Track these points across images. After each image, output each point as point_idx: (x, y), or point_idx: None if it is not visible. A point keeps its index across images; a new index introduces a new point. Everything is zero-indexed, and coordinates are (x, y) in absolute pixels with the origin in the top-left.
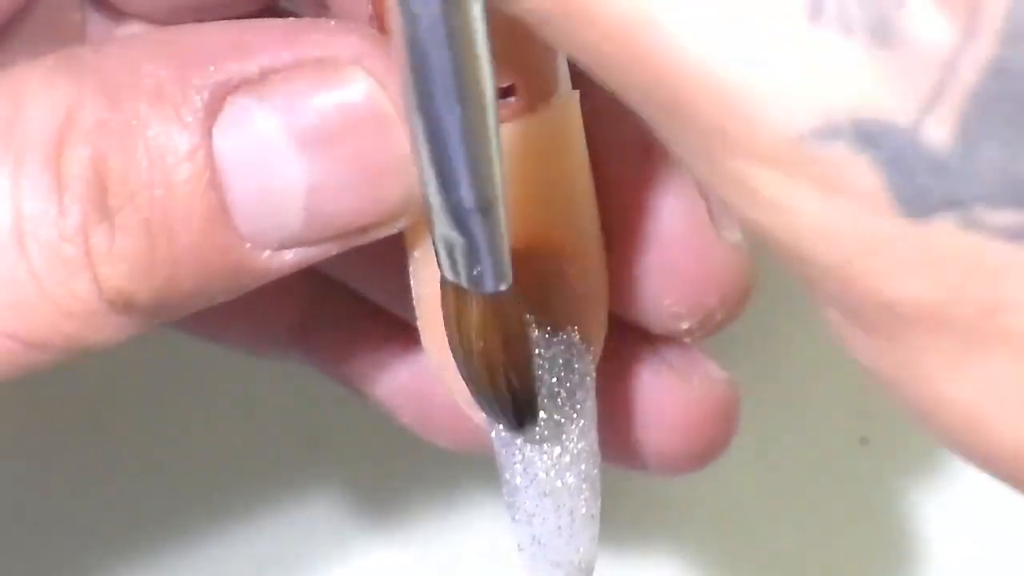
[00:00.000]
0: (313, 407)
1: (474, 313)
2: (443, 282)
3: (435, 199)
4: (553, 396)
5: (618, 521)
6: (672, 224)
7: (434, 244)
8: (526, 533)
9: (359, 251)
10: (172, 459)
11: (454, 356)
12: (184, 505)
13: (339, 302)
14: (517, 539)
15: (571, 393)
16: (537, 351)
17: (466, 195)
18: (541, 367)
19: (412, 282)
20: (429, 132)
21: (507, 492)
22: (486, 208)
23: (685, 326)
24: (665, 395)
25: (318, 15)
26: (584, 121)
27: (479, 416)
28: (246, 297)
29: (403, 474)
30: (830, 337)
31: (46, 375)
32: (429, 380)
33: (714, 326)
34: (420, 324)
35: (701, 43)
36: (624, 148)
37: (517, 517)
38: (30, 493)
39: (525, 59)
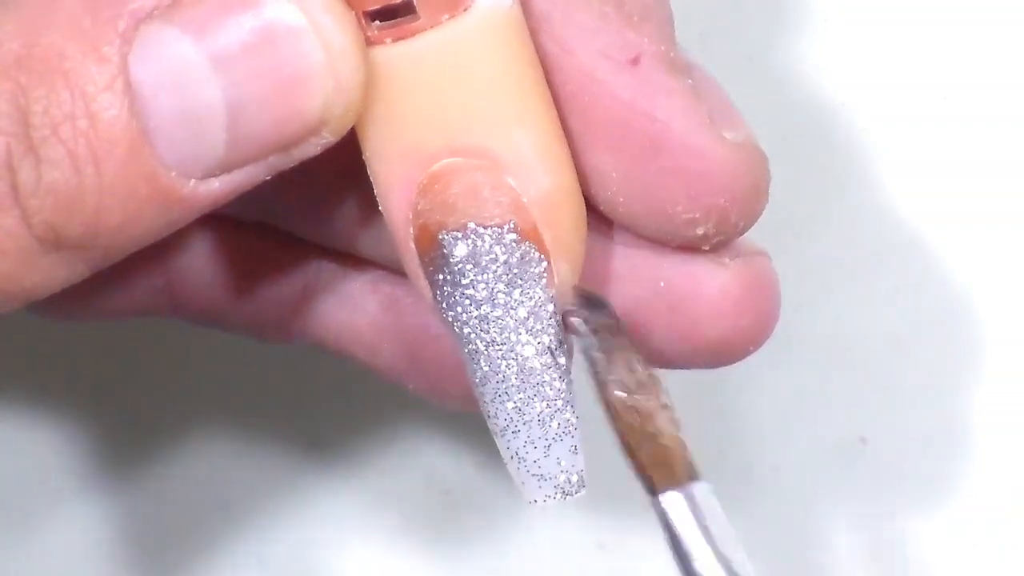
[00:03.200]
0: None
1: None
2: None
3: None
4: (507, 306)
5: (614, 520)
6: (671, 129)
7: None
8: (504, 447)
9: (348, 206)
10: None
11: None
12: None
13: (332, 279)
14: (503, 457)
15: (524, 302)
16: (489, 254)
17: None
18: (495, 273)
19: (374, 186)
20: None
21: (482, 405)
22: None
23: (701, 231)
24: (702, 284)
25: None
26: (564, 38)
27: (447, 330)
28: (247, 280)
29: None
30: (830, 338)
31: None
32: (432, 343)
33: (732, 228)
34: (387, 225)
35: None
36: (611, 61)
37: (494, 431)
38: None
39: None
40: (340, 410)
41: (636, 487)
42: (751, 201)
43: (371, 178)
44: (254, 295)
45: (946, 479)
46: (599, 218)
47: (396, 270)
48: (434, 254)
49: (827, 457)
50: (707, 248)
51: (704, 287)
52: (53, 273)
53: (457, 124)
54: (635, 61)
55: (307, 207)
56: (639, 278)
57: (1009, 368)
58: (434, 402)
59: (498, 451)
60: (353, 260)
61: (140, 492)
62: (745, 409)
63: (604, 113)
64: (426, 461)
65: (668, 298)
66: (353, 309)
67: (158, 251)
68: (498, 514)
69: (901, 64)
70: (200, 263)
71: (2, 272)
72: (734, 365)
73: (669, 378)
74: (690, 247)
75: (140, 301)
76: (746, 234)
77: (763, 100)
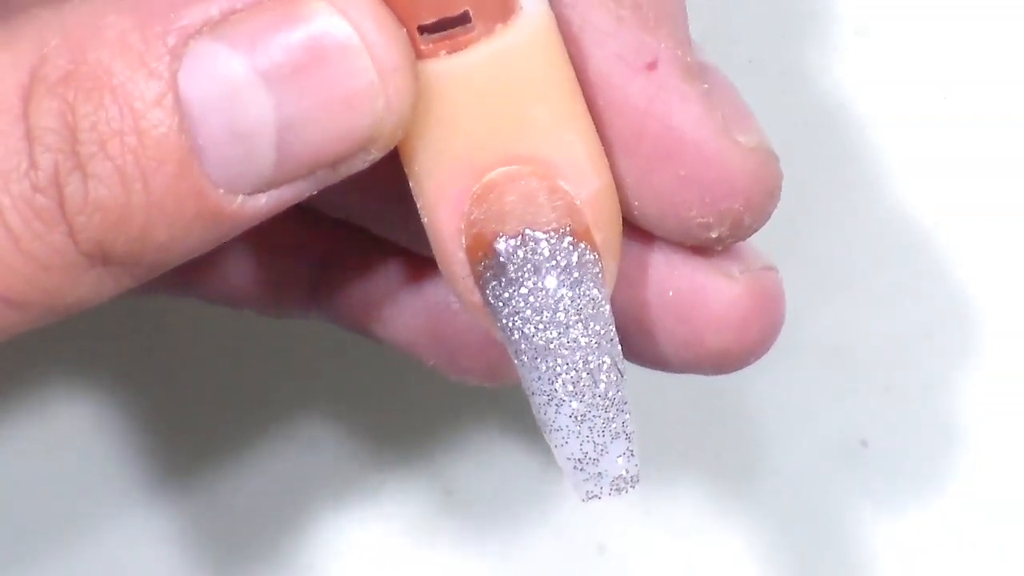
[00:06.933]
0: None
1: None
2: None
3: None
4: (567, 310)
5: (614, 522)
6: (686, 134)
7: None
8: (558, 447)
9: (369, 189)
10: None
11: None
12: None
13: (352, 252)
14: (556, 457)
15: (584, 304)
16: (550, 260)
17: None
18: (556, 277)
19: (417, 199)
20: None
21: (535, 410)
22: None
23: (715, 235)
24: (709, 296)
25: None
26: (581, 42)
27: (497, 333)
28: (261, 258)
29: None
30: (830, 338)
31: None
32: (453, 317)
33: (745, 230)
34: (431, 237)
35: None
36: (627, 65)
37: (548, 431)
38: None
39: None
40: (341, 410)
41: (635, 490)
42: (765, 204)
43: (415, 189)
44: (273, 269)
45: (946, 481)
46: None
47: (416, 247)
48: (489, 262)
49: (828, 459)
50: (720, 248)
51: (713, 300)
52: (96, 289)
53: (511, 131)
54: (651, 66)
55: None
56: (648, 283)
57: (1010, 370)
58: (452, 377)
59: (498, 452)
60: (372, 235)
61: (149, 496)
62: (745, 412)
63: (619, 118)
64: (427, 462)
65: (676, 307)
66: (373, 283)
67: None
68: (499, 515)
69: (901, 64)
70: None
71: (47, 287)
72: None
73: (671, 381)
74: (703, 248)
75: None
76: (753, 241)
77: (762, 102)
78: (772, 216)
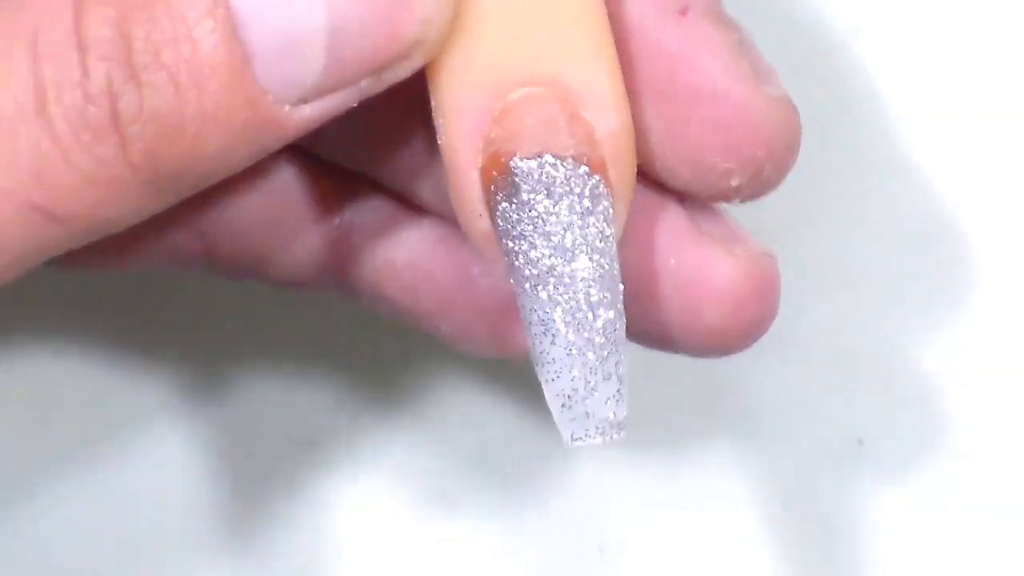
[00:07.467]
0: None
1: None
2: None
3: None
4: (575, 237)
5: (614, 523)
6: (716, 79)
7: None
8: (549, 382)
9: (393, 135)
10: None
11: None
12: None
13: (377, 212)
14: (546, 395)
15: (592, 235)
16: (564, 185)
17: None
18: (568, 205)
19: (437, 117)
20: None
21: (530, 342)
22: None
23: (735, 183)
24: (711, 269)
25: None
26: None
27: (500, 261)
28: (281, 226)
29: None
30: (829, 337)
31: None
32: (470, 284)
33: (763, 184)
34: (445, 156)
35: None
36: (660, 10)
37: (541, 364)
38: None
39: None
40: (337, 410)
41: (635, 490)
42: (785, 156)
43: (436, 107)
44: (297, 231)
45: (944, 481)
46: None
47: (436, 210)
48: (503, 182)
49: (825, 459)
50: (738, 201)
51: (713, 272)
52: (141, 203)
53: (538, 52)
54: (683, 12)
55: (348, 135)
56: (652, 249)
57: (1008, 369)
58: (461, 347)
59: (496, 454)
60: (395, 197)
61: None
62: (743, 410)
63: (650, 62)
64: (424, 463)
65: (676, 276)
66: (394, 246)
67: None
68: (497, 516)
69: (900, 64)
70: (239, 204)
71: (92, 202)
72: (732, 366)
73: (669, 380)
74: (722, 199)
75: (172, 250)
76: (751, 234)
77: None
78: (771, 215)
